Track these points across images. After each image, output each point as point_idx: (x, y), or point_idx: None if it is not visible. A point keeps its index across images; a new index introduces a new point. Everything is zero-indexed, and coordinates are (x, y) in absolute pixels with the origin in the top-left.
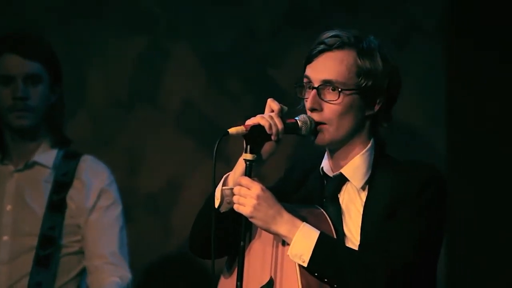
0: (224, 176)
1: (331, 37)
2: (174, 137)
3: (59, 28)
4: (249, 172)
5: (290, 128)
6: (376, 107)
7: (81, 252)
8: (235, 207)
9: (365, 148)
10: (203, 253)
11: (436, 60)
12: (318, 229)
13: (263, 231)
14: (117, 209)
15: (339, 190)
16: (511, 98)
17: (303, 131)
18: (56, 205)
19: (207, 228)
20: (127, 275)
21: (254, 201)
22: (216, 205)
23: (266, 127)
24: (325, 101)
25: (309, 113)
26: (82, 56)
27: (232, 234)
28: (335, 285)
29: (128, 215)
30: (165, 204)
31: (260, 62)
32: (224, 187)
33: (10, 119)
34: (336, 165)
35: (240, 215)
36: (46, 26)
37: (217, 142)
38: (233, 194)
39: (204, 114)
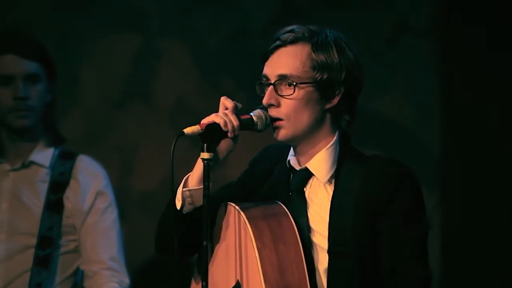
0: (184, 178)
1: (285, 32)
2: (167, 135)
3: (52, 27)
4: (207, 170)
5: (246, 124)
6: (335, 100)
7: (76, 251)
8: None
9: (330, 142)
10: (169, 255)
11: (428, 59)
12: (280, 225)
13: (225, 233)
14: (114, 212)
15: (305, 183)
16: (505, 95)
17: (259, 126)
18: (54, 205)
19: (170, 230)
20: (125, 280)
21: None
22: (178, 207)
23: (222, 125)
24: (281, 96)
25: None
26: (75, 54)
27: (197, 235)
28: None
29: (122, 214)
30: (159, 202)
31: (253, 59)
32: (184, 189)
33: (10, 119)
34: (301, 159)
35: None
36: (38, 24)
37: (173, 143)
38: (193, 195)
39: (197, 112)
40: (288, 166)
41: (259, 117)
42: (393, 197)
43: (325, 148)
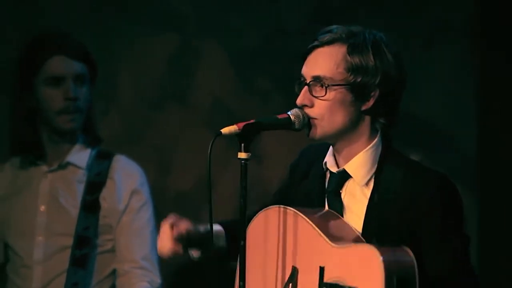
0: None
1: (324, 33)
2: (204, 135)
3: (89, 27)
4: (246, 171)
5: (283, 124)
6: (370, 102)
7: (114, 251)
8: None
9: (369, 144)
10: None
11: (465, 60)
12: (338, 227)
13: (265, 234)
14: (148, 211)
15: (341, 186)
16: None
17: (297, 125)
18: (90, 206)
19: None
20: (157, 280)
21: None
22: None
23: None
24: (315, 97)
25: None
26: (112, 55)
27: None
28: None
29: (158, 214)
30: (195, 203)
31: (290, 59)
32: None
33: (59, 121)
34: (339, 161)
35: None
36: (76, 24)
37: (211, 143)
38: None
39: (234, 112)
40: (324, 168)
41: (296, 116)
42: (434, 210)
43: (364, 150)
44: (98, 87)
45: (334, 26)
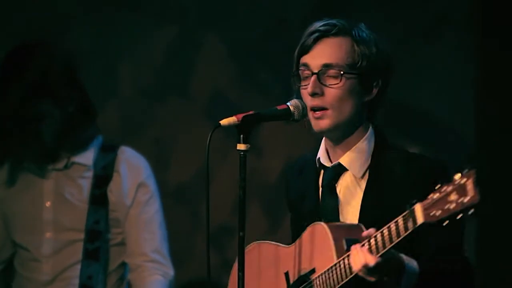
0: None
1: (325, 25)
2: (203, 127)
3: (89, 19)
4: (245, 163)
5: (283, 114)
6: (374, 91)
7: (124, 244)
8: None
9: (363, 136)
10: None
11: (465, 53)
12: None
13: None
14: (156, 203)
15: (336, 180)
16: None
17: (296, 116)
18: (99, 199)
19: None
20: (170, 272)
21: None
22: None
23: None
24: (326, 86)
25: (309, 98)
26: (112, 47)
27: None
28: None
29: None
30: (194, 194)
31: (290, 52)
32: None
33: None
34: (334, 155)
35: None
36: (76, 17)
37: (209, 135)
38: None
39: (234, 105)
40: (317, 164)
41: (295, 106)
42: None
43: (359, 142)
44: (97, 79)
45: (333, 19)
